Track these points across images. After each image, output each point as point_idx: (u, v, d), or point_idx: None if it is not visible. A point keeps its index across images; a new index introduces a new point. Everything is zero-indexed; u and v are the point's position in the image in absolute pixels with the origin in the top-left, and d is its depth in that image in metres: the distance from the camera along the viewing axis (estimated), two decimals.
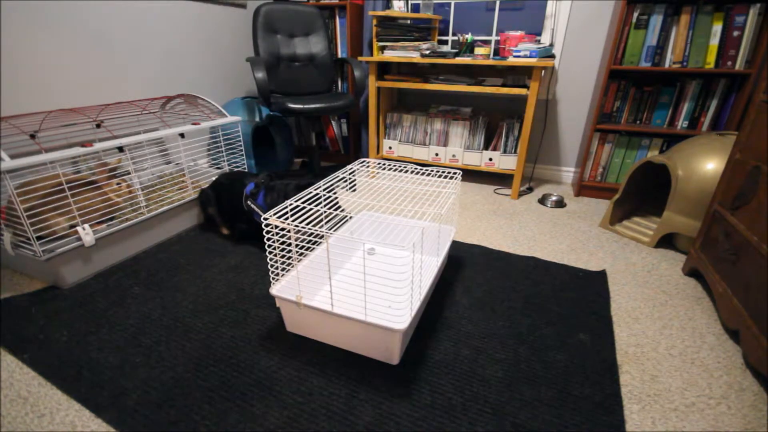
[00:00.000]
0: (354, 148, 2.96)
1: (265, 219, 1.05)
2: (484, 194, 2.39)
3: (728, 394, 1.02)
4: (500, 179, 2.66)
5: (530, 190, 2.48)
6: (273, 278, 1.17)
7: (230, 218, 1.80)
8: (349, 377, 1.04)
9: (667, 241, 1.79)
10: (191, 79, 2.38)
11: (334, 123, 2.92)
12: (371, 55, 2.57)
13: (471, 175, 2.71)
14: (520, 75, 2.25)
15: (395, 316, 1.17)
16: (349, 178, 1.42)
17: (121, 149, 1.52)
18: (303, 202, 1.14)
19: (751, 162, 1.23)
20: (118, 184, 1.55)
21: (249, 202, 1.70)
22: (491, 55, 2.27)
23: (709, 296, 1.42)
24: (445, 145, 2.54)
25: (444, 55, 2.24)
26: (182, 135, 1.75)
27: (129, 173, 1.60)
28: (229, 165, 2.09)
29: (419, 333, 1.21)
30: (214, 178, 1.87)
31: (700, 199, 1.57)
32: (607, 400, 0.99)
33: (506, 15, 2.46)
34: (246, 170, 1.97)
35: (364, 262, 1.51)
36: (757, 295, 1.09)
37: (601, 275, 1.53)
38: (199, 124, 1.82)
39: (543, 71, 2.25)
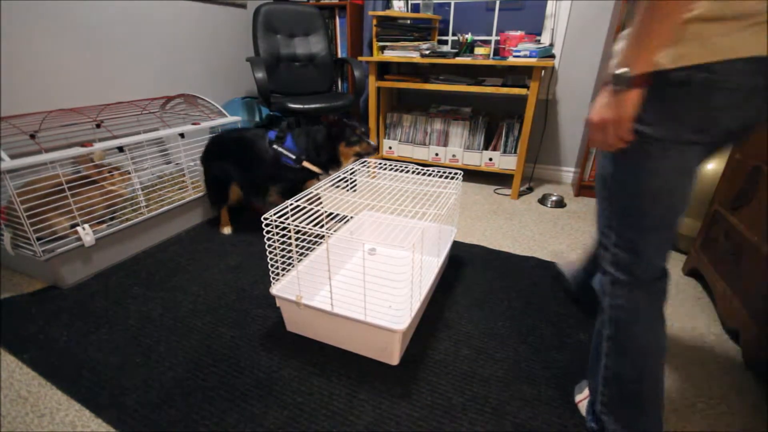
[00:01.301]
0: None
1: (265, 218, 1.05)
2: (484, 194, 2.39)
3: (728, 394, 1.02)
4: (500, 179, 2.66)
5: (530, 190, 2.48)
6: (273, 278, 1.17)
7: (258, 184, 1.73)
8: (349, 377, 1.04)
9: None
10: (191, 79, 2.38)
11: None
12: (371, 55, 2.57)
13: (471, 175, 2.71)
14: (520, 75, 2.25)
15: (395, 317, 1.17)
16: (350, 178, 1.42)
17: (121, 149, 1.52)
18: (303, 202, 1.15)
19: (751, 162, 1.23)
20: (110, 173, 1.55)
21: (275, 146, 1.65)
22: (491, 55, 2.27)
23: (709, 296, 1.42)
24: (445, 145, 2.54)
25: (444, 55, 2.24)
26: (182, 135, 1.75)
27: (111, 163, 1.60)
28: None
29: (419, 333, 1.21)
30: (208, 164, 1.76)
31: (700, 199, 1.57)
32: None
33: (506, 15, 2.46)
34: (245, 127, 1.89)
35: (364, 263, 1.51)
36: (757, 295, 1.08)
37: None
38: (199, 124, 1.82)
39: (543, 71, 2.25)
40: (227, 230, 1.83)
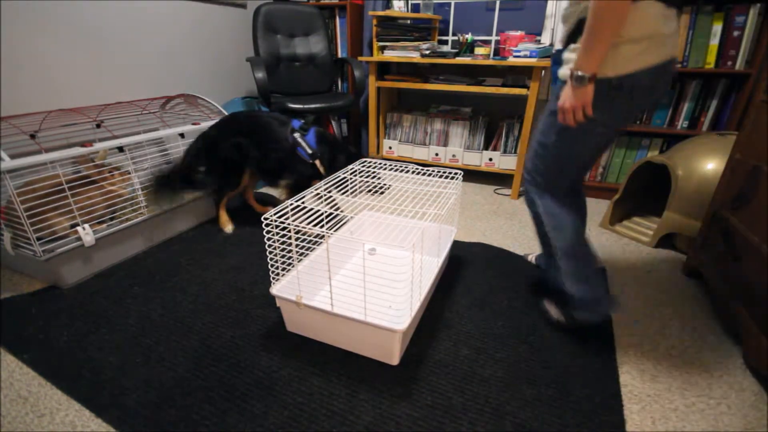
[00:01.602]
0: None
1: (265, 218, 1.05)
2: (484, 194, 2.39)
3: (728, 394, 1.02)
4: (500, 179, 2.66)
5: None
6: (273, 278, 1.17)
7: (270, 169, 1.75)
8: (349, 377, 1.04)
9: (667, 241, 1.79)
10: (191, 79, 2.38)
11: (334, 123, 2.92)
12: (371, 55, 2.57)
13: (471, 175, 2.71)
14: (520, 75, 2.25)
15: (395, 317, 1.17)
16: (350, 178, 1.42)
17: (121, 149, 1.52)
18: (303, 202, 1.14)
19: (751, 162, 1.23)
20: (111, 173, 1.55)
21: (296, 135, 1.67)
22: (491, 55, 2.27)
23: (709, 296, 1.42)
24: (445, 145, 2.54)
25: (444, 55, 2.24)
26: (182, 135, 1.75)
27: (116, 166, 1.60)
28: None
29: (419, 333, 1.21)
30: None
31: (700, 199, 1.57)
32: (607, 400, 0.99)
33: (506, 15, 2.46)
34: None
35: (364, 263, 1.51)
36: (757, 295, 1.09)
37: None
38: (199, 124, 1.82)
39: (543, 71, 2.25)
40: (229, 228, 1.82)
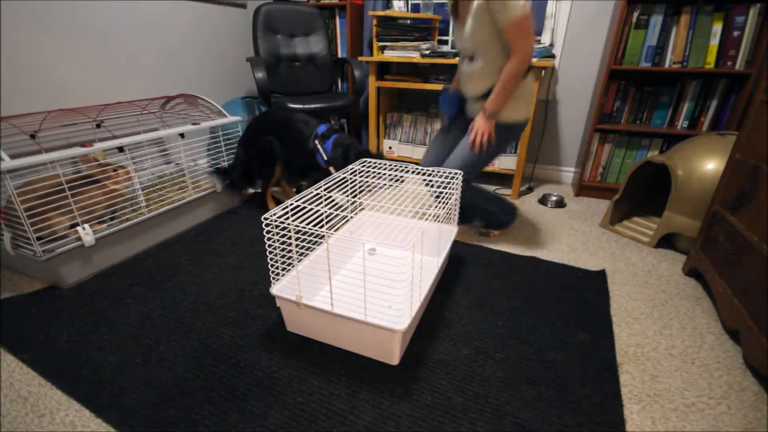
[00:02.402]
0: None
1: (265, 218, 1.05)
2: None
3: (728, 394, 1.02)
4: (500, 179, 2.66)
5: (530, 190, 2.48)
6: (273, 278, 1.17)
7: (293, 167, 1.89)
8: (349, 377, 1.04)
9: (667, 241, 1.79)
10: (191, 79, 2.38)
11: (333, 123, 2.92)
12: (371, 55, 2.57)
13: None
14: None
15: (395, 317, 1.17)
16: (350, 178, 1.42)
17: (121, 149, 1.52)
18: (303, 202, 1.14)
19: (751, 162, 1.23)
20: (115, 170, 1.55)
21: (317, 141, 1.76)
22: None
23: (709, 296, 1.42)
24: None
25: (444, 55, 2.24)
26: (182, 135, 1.75)
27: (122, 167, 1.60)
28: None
29: (419, 333, 1.21)
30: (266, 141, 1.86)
31: (700, 199, 1.57)
32: (607, 400, 0.99)
33: None
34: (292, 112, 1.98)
35: (364, 263, 1.51)
36: (757, 295, 1.09)
37: (601, 275, 1.53)
38: (199, 124, 1.82)
39: (543, 71, 2.25)
40: (273, 203, 1.96)
